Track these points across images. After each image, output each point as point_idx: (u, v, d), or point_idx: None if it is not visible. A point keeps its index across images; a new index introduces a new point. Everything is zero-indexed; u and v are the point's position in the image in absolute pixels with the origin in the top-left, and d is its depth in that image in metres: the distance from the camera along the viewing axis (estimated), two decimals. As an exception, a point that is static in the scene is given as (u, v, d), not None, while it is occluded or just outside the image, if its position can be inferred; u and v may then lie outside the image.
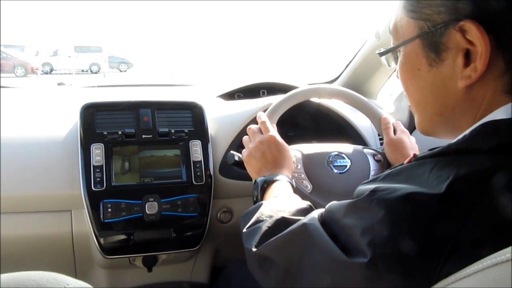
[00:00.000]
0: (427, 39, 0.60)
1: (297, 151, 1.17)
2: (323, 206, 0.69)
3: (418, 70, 0.64)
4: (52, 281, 0.29)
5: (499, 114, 0.56)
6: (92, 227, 1.16)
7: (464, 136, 0.57)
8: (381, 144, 1.34)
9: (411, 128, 1.52)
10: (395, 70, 0.72)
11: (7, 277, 0.28)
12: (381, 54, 0.74)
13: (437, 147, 0.58)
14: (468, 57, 0.57)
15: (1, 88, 1.82)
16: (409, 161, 0.61)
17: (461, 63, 0.57)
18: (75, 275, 1.36)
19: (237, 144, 1.31)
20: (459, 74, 0.58)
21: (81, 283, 0.29)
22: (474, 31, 0.54)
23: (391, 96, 1.87)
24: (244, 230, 0.81)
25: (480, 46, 0.54)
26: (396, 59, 0.71)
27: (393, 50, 0.70)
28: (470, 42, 0.55)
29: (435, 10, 0.59)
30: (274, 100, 1.23)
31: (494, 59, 0.55)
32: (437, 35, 0.59)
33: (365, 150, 1.23)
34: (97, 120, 1.25)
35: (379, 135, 1.40)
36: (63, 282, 0.29)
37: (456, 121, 0.63)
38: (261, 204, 0.85)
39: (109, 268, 1.37)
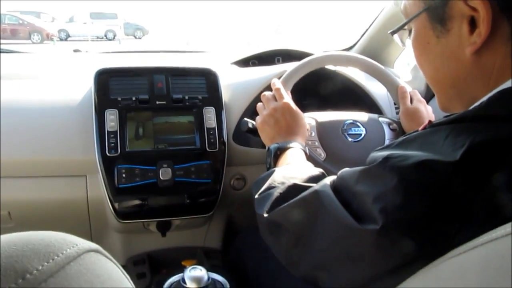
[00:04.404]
0: (433, 11, 0.62)
1: (311, 118, 1.16)
2: (337, 175, 0.69)
3: (428, 44, 0.65)
4: (60, 241, 0.29)
5: None
6: (107, 192, 1.18)
7: (482, 102, 0.56)
8: (397, 113, 1.32)
9: (428, 97, 1.50)
10: None
11: (15, 236, 0.28)
12: (393, 32, 0.76)
13: (453, 114, 0.57)
14: (473, 24, 0.57)
15: (19, 54, 1.83)
16: (424, 128, 0.61)
17: (467, 31, 0.58)
18: (91, 239, 1.39)
19: (251, 111, 1.30)
20: (466, 42, 0.58)
21: (90, 243, 0.29)
22: None
23: (409, 65, 1.84)
24: (256, 196, 0.81)
25: (482, 10, 0.54)
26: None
27: (402, 28, 0.72)
28: (473, 9, 0.56)
29: None
30: (289, 67, 1.21)
31: (499, 23, 0.55)
32: (441, 6, 0.60)
33: (381, 119, 1.22)
34: (111, 86, 1.24)
35: (395, 104, 1.38)
36: (72, 242, 0.29)
37: (470, 92, 0.63)
38: (274, 170, 0.85)
39: (123, 232, 1.40)
